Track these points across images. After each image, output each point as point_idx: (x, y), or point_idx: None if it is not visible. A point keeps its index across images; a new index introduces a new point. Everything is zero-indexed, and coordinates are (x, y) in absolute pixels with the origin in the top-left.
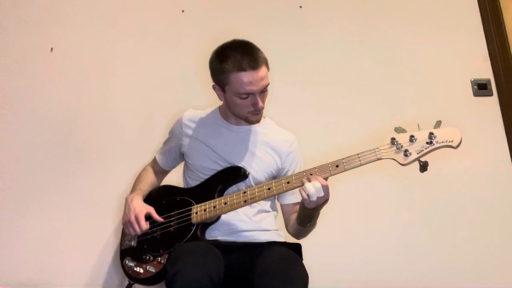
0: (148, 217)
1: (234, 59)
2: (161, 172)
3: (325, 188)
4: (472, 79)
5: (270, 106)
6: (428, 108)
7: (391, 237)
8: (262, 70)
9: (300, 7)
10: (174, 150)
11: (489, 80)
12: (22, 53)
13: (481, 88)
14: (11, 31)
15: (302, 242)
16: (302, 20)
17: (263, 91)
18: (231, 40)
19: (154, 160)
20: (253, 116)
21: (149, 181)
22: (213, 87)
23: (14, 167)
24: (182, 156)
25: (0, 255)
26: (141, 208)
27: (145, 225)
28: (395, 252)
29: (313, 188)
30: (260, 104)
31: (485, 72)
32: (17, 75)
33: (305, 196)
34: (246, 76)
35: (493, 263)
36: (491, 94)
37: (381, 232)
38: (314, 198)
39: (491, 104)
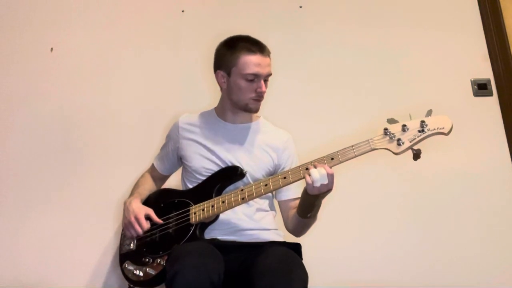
0: (147, 219)
1: (243, 45)
2: (159, 179)
3: (330, 177)
4: (472, 79)
5: (269, 104)
6: (428, 107)
7: (391, 237)
8: (268, 59)
9: (300, 7)
10: (171, 154)
11: (489, 80)
12: (22, 53)
13: (481, 88)
14: (11, 31)
15: (302, 242)
16: (302, 20)
17: (266, 80)
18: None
19: (152, 166)
20: (254, 102)
21: (147, 186)
22: (216, 74)
23: (14, 169)
24: (179, 160)
25: (1, 255)
26: (140, 209)
27: (145, 224)
28: (395, 252)
29: (318, 174)
30: (264, 88)
31: (485, 72)
32: (17, 75)
33: (310, 181)
34: (255, 58)
35: (494, 264)
36: (491, 94)
37: (382, 232)
38: (317, 184)
39: (491, 104)
